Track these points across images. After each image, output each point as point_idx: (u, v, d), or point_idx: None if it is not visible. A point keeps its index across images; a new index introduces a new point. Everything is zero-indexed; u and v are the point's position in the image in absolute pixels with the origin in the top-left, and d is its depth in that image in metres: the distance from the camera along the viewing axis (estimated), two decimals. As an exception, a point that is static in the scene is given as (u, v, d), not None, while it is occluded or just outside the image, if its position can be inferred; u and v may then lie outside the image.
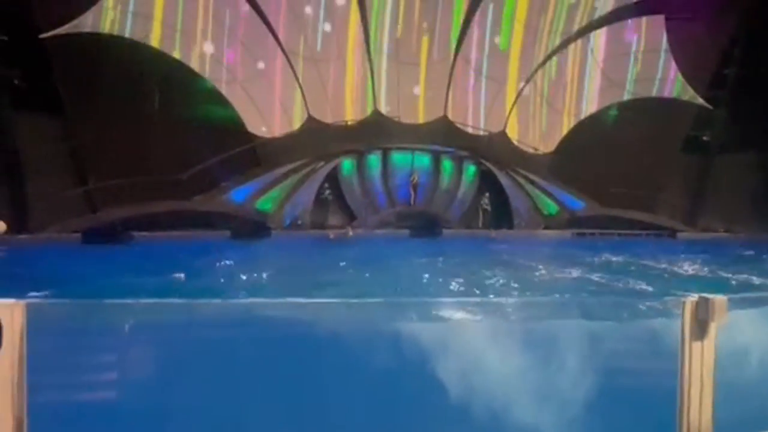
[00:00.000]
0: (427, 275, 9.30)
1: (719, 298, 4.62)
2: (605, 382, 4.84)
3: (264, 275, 9.37)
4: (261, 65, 19.60)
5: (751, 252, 14.47)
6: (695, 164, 22.04)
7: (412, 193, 20.68)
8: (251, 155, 18.93)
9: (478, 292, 7.48)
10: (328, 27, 20.28)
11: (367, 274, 9.83)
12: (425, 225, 19.26)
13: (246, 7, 19.04)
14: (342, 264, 11.46)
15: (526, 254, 13.99)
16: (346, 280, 9.06)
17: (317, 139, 19.56)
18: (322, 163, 19.58)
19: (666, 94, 22.79)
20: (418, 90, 21.41)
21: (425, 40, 21.21)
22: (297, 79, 19.92)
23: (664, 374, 4.60)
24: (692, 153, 22.17)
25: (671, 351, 4.61)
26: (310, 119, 20.08)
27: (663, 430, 4.37)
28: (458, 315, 4.90)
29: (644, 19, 22.46)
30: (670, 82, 22.80)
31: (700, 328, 4.70)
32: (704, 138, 22.40)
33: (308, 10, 20.00)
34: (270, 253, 14.80)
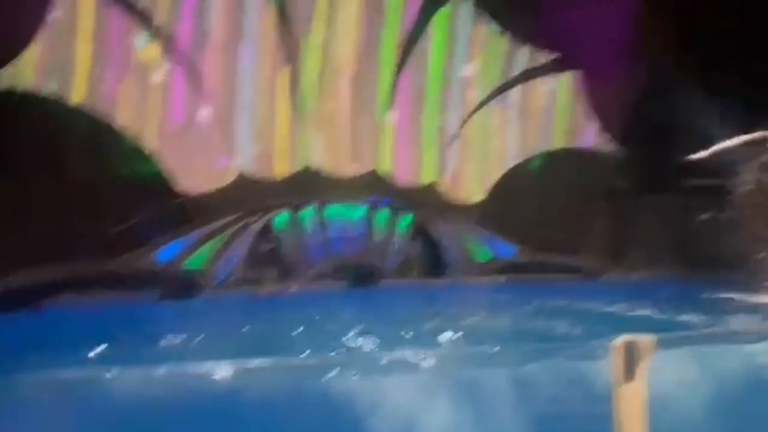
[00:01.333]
0: (359, 326, 9.13)
1: (646, 339, 4.74)
2: (542, 426, 4.81)
3: (193, 338, 8.91)
4: (191, 119, 19.35)
5: (670, 291, 15.15)
6: (616, 209, 23.13)
7: (347, 245, 20.58)
8: (180, 212, 18.42)
9: (404, 345, 7.38)
10: (257, 81, 20.36)
11: (300, 329, 9.53)
12: (362, 277, 19.15)
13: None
14: (276, 322, 11.11)
15: (461, 302, 14.07)
16: (279, 339, 8.74)
17: (249, 194, 19.32)
18: (254, 218, 19.27)
19: (587, 144, 24.10)
20: (349, 143, 21.65)
21: (355, 92, 21.62)
22: (228, 133, 19.75)
23: (598, 418, 4.62)
24: (613, 199, 23.33)
25: (605, 394, 4.65)
26: (241, 174, 19.84)
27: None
28: (391, 368, 4.78)
29: (565, 74, 23.88)
30: (590, 133, 24.17)
31: (629, 370, 4.78)
32: (622, 184, 23.72)
33: (240, 61, 20.04)
34: (200, 313, 14.20)
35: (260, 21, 20.22)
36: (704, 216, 24.14)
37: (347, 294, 17.47)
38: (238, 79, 20.05)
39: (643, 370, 4.86)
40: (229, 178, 19.71)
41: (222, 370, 4.63)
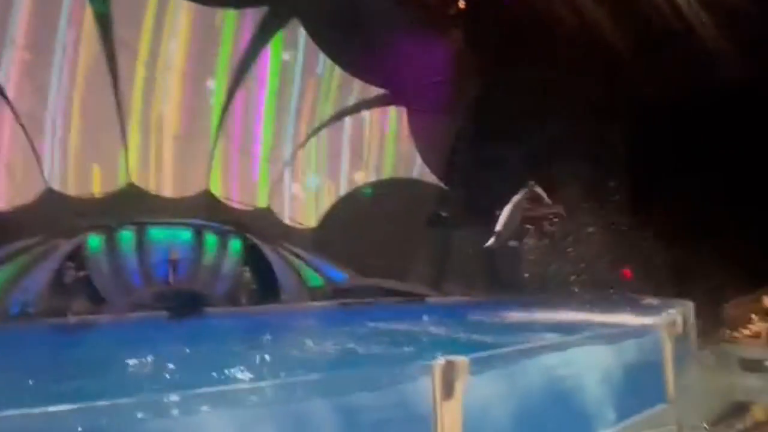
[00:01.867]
0: (171, 364, 8.57)
1: (462, 360, 5.12)
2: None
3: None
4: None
5: (482, 312, 16.55)
6: (438, 237, 24.80)
7: (171, 270, 19.32)
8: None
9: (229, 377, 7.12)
10: (73, 91, 18.53)
11: (108, 365, 8.66)
12: (186, 304, 17.99)
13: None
14: (81, 359, 9.95)
15: (292, 329, 13.94)
16: (82, 378, 7.83)
17: (57, 214, 17.30)
18: (62, 240, 17.26)
19: (413, 175, 25.63)
20: (179, 163, 20.56)
21: (186, 112, 20.70)
22: (31, 145, 17.60)
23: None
24: (435, 227, 25.00)
25: (425, 413, 4.91)
26: (49, 191, 17.75)
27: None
28: (210, 401, 4.56)
29: (393, 108, 25.24)
30: (416, 165, 25.77)
31: (448, 389, 5.12)
32: (443, 214, 25.65)
33: (48, 71, 18.09)
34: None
35: (79, 33, 18.57)
36: (513, 244, 27.11)
37: (169, 324, 16.26)
38: (50, 90, 18.07)
39: (460, 388, 5.26)
40: (34, 194, 17.52)
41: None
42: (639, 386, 7.57)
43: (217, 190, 21.15)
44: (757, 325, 13.88)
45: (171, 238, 19.81)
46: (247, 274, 20.53)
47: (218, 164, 21.35)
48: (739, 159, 17.55)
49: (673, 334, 8.47)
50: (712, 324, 13.40)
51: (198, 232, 20.57)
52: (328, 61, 23.46)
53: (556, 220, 25.30)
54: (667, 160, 19.25)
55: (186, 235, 20.32)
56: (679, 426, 4.99)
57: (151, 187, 19.72)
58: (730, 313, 14.63)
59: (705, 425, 5.16)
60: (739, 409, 6.89)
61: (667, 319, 8.75)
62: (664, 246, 18.12)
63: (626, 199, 22.41)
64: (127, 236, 19.12)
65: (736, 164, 17.53)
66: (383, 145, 25.37)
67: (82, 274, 17.64)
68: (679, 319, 9.57)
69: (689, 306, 12.05)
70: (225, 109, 21.42)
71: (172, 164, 20.45)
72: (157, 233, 19.67)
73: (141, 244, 19.30)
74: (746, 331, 14.02)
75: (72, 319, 15.50)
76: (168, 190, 20.03)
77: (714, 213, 17.05)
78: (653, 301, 16.08)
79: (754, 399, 7.16)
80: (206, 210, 20.34)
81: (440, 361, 5.07)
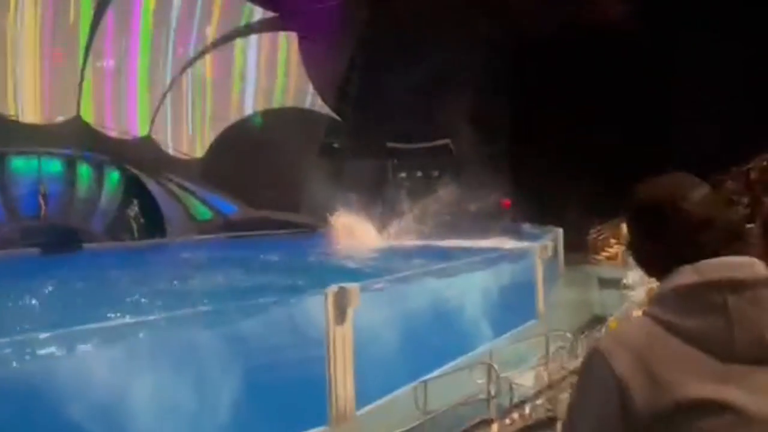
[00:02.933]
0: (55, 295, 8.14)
1: (353, 287, 5.35)
2: (263, 376, 5.08)
3: None
4: None
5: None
6: (330, 167, 24.74)
7: (42, 204, 17.80)
8: None
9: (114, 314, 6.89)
10: None
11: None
12: (60, 240, 16.76)
13: None
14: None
15: (179, 263, 13.56)
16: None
17: None
18: None
19: (305, 105, 25.04)
20: (44, 86, 18.51)
21: (46, 31, 18.48)
22: None
23: (314, 360, 5.08)
24: (327, 157, 24.89)
25: (319, 338, 5.12)
26: None
27: (316, 406, 4.82)
28: (89, 343, 4.46)
29: (283, 34, 24.16)
30: (308, 94, 25.15)
31: (340, 314, 5.36)
32: (334, 144, 25.55)
33: None
34: None
35: None
36: (402, 175, 27.78)
37: (40, 261, 15.13)
38: None
39: (351, 313, 5.51)
40: None
41: None
42: (514, 304, 8.34)
43: (90, 117, 19.41)
44: (614, 248, 15.58)
45: (38, 169, 18.12)
46: (135, 208, 19.31)
47: (89, 88, 19.48)
48: (612, 94, 18.94)
49: (544, 258, 9.33)
50: (577, 248, 14.84)
51: (70, 162, 18.96)
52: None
53: (445, 154, 26.24)
54: (544, 94, 20.34)
55: (56, 165, 18.68)
56: (546, 336, 5.60)
57: (11, 112, 17.69)
58: (593, 238, 16.27)
59: (568, 335, 5.85)
60: (598, 320, 7.81)
61: (538, 244, 9.56)
62: (539, 177, 19.46)
63: (506, 131, 23.65)
64: (-16, 166, 17.23)
65: (610, 99, 18.92)
66: (274, 72, 24.42)
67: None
68: (550, 244, 10.51)
69: (558, 232, 13.23)
70: (95, 26, 19.37)
71: (36, 88, 18.38)
72: (21, 164, 17.90)
73: (3, 176, 17.50)
74: (605, 254, 15.72)
75: None
76: (33, 116, 18.08)
77: (583, 145, 18.47)
78: (528, 228, 17.45)
79: (610, 312, 8.13)
80: (79, 138, 18.65)
81: (333, 288, 5.27)
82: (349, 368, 5.22)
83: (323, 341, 5.07)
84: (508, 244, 13.50)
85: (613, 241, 15.86)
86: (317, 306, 5.05)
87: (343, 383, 5.14)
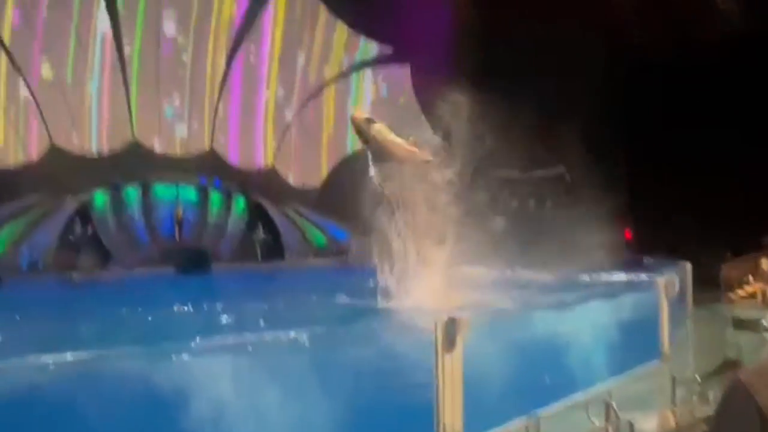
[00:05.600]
0: (186, 313, 8.83)
1: (464, 316, 5.34)
2: (370, 404, 5.17)
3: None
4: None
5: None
6: (441, 199, 24.80)
7: (177, 227, 19.57)
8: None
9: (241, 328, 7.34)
10: (77, 46, 18.37)
11: (117, 319, 8.91)
12: (192, 261, 18.30)
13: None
14: (90, 312, 10.22)
15: (302, 285, 14.19)
16: (91, 330, 8.07)
17: (63, 171, 17.40)
18: (69, 197, 17.44)
19: (414, 135, 25.45)
20: (183, 122, 20.55)
21: (190, 70, 20.55)
22: (36, 103, 17.58)
23: (422, 387, 5.10)
24: (438, 189, 24.98)
25: (428, 365, 5.14)
26: (53, 147, 17.83)
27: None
28: (213, 357, 4.78)
29: (397, 67, 24.93)
30: (420, 124, 25.58)
31: (450, 343, 5.35)
32: (447, 178, 25.65)
33: (54, 25, 17.90)
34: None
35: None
36: (515, 205, 27.23)
37: (176, 280, 16.58)
38: (55, 45, 17.93)
39: (460, 342, 5.49)
40: (39, 152, 17.61)
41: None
42: (636, 342, 7.84)
43: (221, 149, 21.18)
44: (753, 286, 14.14)
45: (176, 196, 19.98)
46: (258, 232, 20.63)
47: (222, 123, 21.30)
48: (738, 115, 17.45)
49: (669, 294, 8.72)
50: (708, 284, 13.65)
51: (203, 190, 20.73)
52: (332, 18, 23.12)
53: (559, 182, 25.39)
54: (664, 116, 19.17)
55: (191, 193, 20.49)
56: (673, 380, 5.22)
57: (156, 145, 19.77)
58: (727, 275, 14.88)
59: (697, 378, 5.39)
60: (731, 365, 7.14)
61: (664, 279, 8.96)
62: (663, 206, 18.23)
63: (625, 157, 22.43)
64: (132, 194, 19.29)
65: (736, 121, 17.43)
66: (388, 104, 25.20)
67: (88, 231, 17.91)
68: (676, 279, 9.80)
69: (686, 266, 12.27)
70: (228, 66, 21.24)
71: (178, 123, 20.43)
72: (162, 191, 19.84)
73: (146, 202, 19.50)
74: (742, 292, 14.29)
75: (76, 275, 15.69)
76: (173, 149, 20.08)
77: (712, 173, 17.08)
78: (651, 261, 16.32)
79: (745, 357, 7.42)
80: (211, 168, 20.43)
81: (444, 316, 5.30)
82: (458, 399, 5.18)
83: (432, 370, 5.09)
84: (630, 277, 12.75)
85: (750, 277, 14.41)
86: (427, 334, 5.09)
87: (452, 414, 5.11)
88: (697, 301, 12.28)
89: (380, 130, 10.33)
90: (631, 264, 16.24)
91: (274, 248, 21.02)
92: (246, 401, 4.57)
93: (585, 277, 13.83)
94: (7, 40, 17.12)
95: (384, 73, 24.84)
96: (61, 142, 18.00)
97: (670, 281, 9.04)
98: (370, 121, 10.42)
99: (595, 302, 7.98)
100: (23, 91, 17.50)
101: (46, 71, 17.96)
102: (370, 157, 10.57)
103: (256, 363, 5.04)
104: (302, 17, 22.77)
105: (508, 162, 25.72)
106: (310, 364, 5.23)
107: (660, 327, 8.24)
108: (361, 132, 10.28)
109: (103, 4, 18.58)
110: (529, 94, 21.39)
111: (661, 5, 19.03)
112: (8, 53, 17.11)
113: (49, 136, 17.82)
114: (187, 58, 20.49)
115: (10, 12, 17.18)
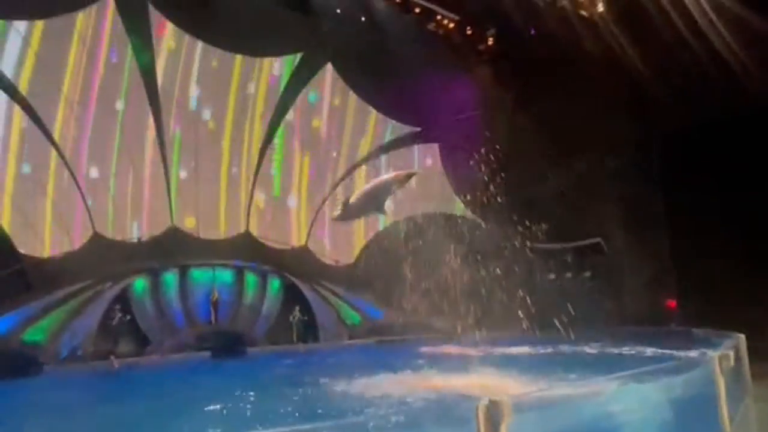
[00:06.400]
0: (222, 404, 8.68)
1: (505, 399, 5.09)
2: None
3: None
4: (35, 175, 17.79)
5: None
6: (475, 273, 24.57)
7: (213, 311, 19.67)
8: (20, 278, 16.56)
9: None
10: (118, 135, 19.38)
11: (155, 407, 8.82)
12: (228, 344, 18.25)
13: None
14: (129, 400, 10.18)
15: (339, 367, 13.94)
16: (131, 419, 8.01)
17: (104, 258, 17.91)
18: (109, 284, 17.82)
19: (447, 210, 25.74)
20: (219, 205, 21.16)
21: (226, 154, 21.38)
22: (80, 191, 18.41)
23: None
24: (471, 263, 24.82)
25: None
26: (96, 236, 18.44)
27: None
28: None
29: (426, 146, 25.58)
30: (451, 201, 25.89)
31: (493, 429, 5.08)
32: (478, 250, 25.50)
33: (94, 115, 18.99)
34: (39, 393, 12.58)
35: (120, 81, 19.58)
36: (552, 276, 26.65)
37: (212, 364, 16.48)
38: (95, 135, 18.97)
39: (505, 427, 5.21)
40: (81, 240, 18.23)
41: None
42: (692, 423, 7.32)
43: (256, 231, 21.59)
44: (815, 357, 13.24)
45: (212, 279, 20.22)
46: (294, 313, 20.57)
47: (256, 207, 21.85)
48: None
49: (725, 368, 8.19)
50: (765, 356, 12.84)
51: (239, 272, 20.95)
52: (360, 103, 24.04)
53: (596, 253, 24.88)
54: (704, 183, 18.85)
55: (227, 276, 20.72)
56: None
57: (193, 229, 20.29)
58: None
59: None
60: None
61: (717, 353, 8.46)
62: (710, 274, 17.59)
63: (664, 226, 21.94)
64: (170, 278, 19.60)
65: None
66: (418, 181, 25.59)
67: (127, 317, 18.13)
68: (732, 353, 9.24)
69: (740, 338, 11.61)
70: (263, 149, 22.05)
71: (214, 207, 21.04)
72: (198, 275, 20.11)
73: (183, 286, 19.75)
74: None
75: (115, 362, 15.75)
76: (209, 233, 20.56)
77: (760, 234, 16.53)
78: (701, 333, 15.52)
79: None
80: (246, 250, 20.76)
81: (484, 401, 5.05)
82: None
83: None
84: (679, 352, 12.12)
85: (811, 348, 13.55)
86: (466, 421, 4.85)
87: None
88: (755, 377, 11.53)
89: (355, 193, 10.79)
90: (680, 336, 15.51)
91: (310, 328, 20.87)
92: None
93: (630, 352, 13.21)
94: (57, 136, 18.17)
95: (412, 152, 25.45)
96: (102, 229, 18.62)
97: (725, 355, 8.54)
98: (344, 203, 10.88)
99: (648, 380, 7.56)
100: (69, 183, 18.34)
101: (91, 165, 18.88)
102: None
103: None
104: (334, 103, 23.74)
105: (541, 235, 25.52)
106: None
107: (719, 406, 7.70)
108: (344, 211, 10.70)
109: (145, 98, 19.69)
110: (560, 169, 21.48)
111: (693, 74, 19.18)
112: (57, 148, 18.09)
113: (92, 224, 18.47)
114: (223, 143, 21.37)
115: (61, 111, 18.33)
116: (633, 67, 19.80)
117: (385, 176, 11.18)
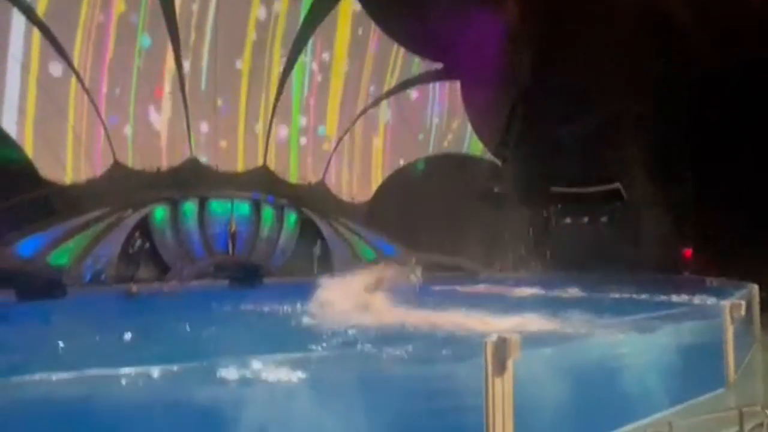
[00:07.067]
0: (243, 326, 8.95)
1: (514, 337, 5.17)
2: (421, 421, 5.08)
3: (56, 343, 8.13)
4: (59, 104, 17.83)
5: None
6: (488, 212, 24.56)
7: (231, 242, 20.03)
8: (44, 203, 16.91)
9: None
10: (139, 67, 19.21)
11: (176, 331, 9.10)
12: (246, 275, 18.67)
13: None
14: (152, 324, 10.51)
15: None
16: (147, 342, 8.27)
17: (124, 187, 18.17)
18: (129, 212, 18.15)
19: (464, 150, 25.46)
20: (237, 138, 21.11)
21: (244, 87, 21.14)
22: (102, 121, 18.46)
23: (472, 408, 4.97)
24: (487, 203, 24.77)
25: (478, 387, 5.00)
26: (116, 164, 18.64)
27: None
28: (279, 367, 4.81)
29: (446, 84, 24.99)
30: (467, 140, 25.54)
31: (500, 366, 5.18)
32: (495, 189, 25.36)
33: (117, 47, 18.79)
34: (64, 314, 13.05)
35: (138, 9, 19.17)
36: (567, 221, 26.51)
37: (229, 292, 16.90)
38: (117, 66, 18.82)
39: (511, 363, 5.32)
40: (102, 168, 18.44)
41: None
42: (698, 370, 7.42)
43: (273, 166, 21.63)
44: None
45: (230, 211, 20.47)
46: (309, 246, 20.85)
47: (274, 141, 21.78)
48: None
49: (735, 318, 8.21)
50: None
51: (256, 205, 21.16)
52: (384, 38, 23.39)
53: (615, 199, 24.59)
54: (728, 131, 18.29)
55: (244, 208, 20.95)
56: (740, 411, 4.89)
57: (212, 161, 20.36)
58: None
59: (767, 411, 5.03)
60: (805, 396, 6.67)
61: (729, 302, 8.46)
62: (728, 223, 17.36)
63: (685, 174, 21.47)
64: (189, 209, 19.89)
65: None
66: (438, 119, 25.25)
67: (147, 244, 18.57)
68: (743, 303, 9.24)
69: (753, 289, 11.57)
70: (282, 85, 21.75)
71: (231, 139, 21.01)
72: (217, 206, 20.37)
73: (202, 217, 20.06)
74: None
75: (135, 288, 16.16)
76: (227, 166, 20.64)
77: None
78: (715, 282, 15.47)
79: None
80: (264, 184, 20.87)
81: (492, 337, 5.13)
82: (508, 424, 5.02)
83: (482, 393, 4.94)
84: (692, 300, 12.14)
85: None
86: (477, 354, 4.96)
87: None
88: (765, 326, 11.57)
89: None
90: (694, 285, 15.48)
91: (325, 262, 21.21)
92: (300, 417, 4.57)
93: (642, 298, 13.25)
94: (77, 64, 18.05)
95: (434, 89, 24.96)
96: (123, 159, 18.79)
97: (736, 304, 8.54)
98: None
99: (656, 326, 7.63)
100: (90, 110, 18.37)
101: (111, 92, 18.82)
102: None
103: (314, 380, 5.01)
104: (356, 36, 23.12)
105: (559, 178, 25.21)
106: (359, 383, 5.18)
107: (725, 353, 7.78)
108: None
109: (165, 28, 19.36)
110: (583, 111, 20.93)
111: (727, 21, 18.23)
112: (77, 75, 18.02)
113: (113, 153, 18.63)
114: (243, 75, 21.09)
115: (80, 37, 18.13)
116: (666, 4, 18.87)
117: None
